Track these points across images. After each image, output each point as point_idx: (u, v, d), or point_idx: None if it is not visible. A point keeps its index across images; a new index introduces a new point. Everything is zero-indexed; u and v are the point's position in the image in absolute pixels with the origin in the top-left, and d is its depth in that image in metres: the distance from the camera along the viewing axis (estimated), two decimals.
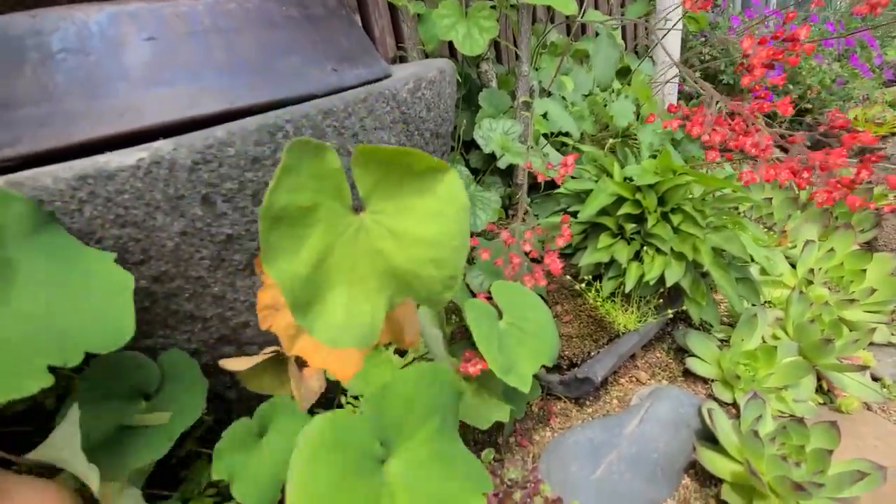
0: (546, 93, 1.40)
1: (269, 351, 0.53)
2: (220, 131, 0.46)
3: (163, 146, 0.44)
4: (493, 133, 1.16)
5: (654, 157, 1.31)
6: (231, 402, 0.69)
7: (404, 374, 0.42)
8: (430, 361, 0.60)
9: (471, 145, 1.26)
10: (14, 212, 0.37)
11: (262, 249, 0.30)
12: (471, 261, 1.03)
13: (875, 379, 0.99)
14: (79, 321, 0.33)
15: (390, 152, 0.34)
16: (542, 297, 0.91)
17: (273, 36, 0.59)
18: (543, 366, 0.91)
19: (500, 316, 0.70)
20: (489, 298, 0.72)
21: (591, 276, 0.89)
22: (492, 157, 1.20)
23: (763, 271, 1.12)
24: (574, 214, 0.96)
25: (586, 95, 1.47)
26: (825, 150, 0.64)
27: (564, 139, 1.27)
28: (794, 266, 1.10)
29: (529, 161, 0.94)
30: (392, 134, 0.63)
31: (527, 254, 0.80)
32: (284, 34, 0.60)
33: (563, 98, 1.43)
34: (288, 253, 0.31)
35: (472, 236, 1.01)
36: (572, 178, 1.10)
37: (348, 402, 0.63)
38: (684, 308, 0.88)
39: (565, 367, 0.86)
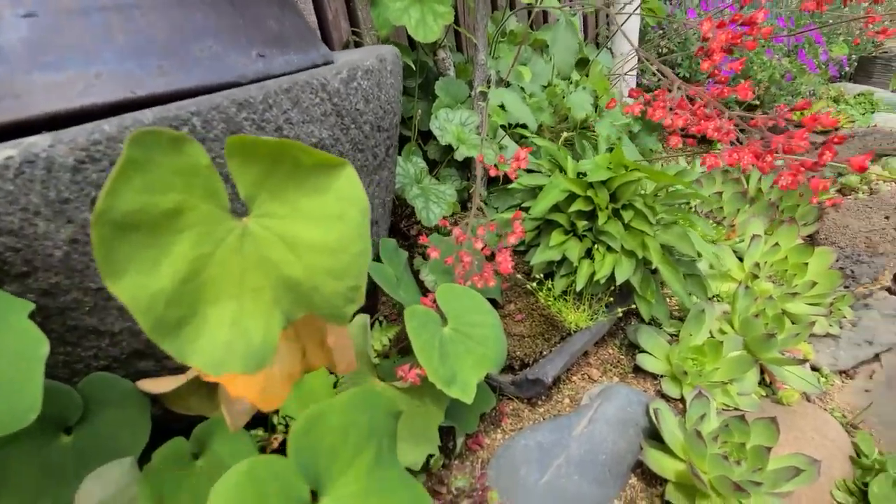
0: (504, 83, 1.37)
1: (192, 373, 0.48)
2: (108, 125, 0.40)
3: (37, 142, 0.38)
4: (449, 124, 1.12)
5: (611, 150, 1.31)
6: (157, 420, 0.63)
7: (333, 404, 0.39)
8: (362, 385, 0.56)
9: (428, 136, 1.22)
10: None
11: (99, 263, 0.25)
12: (425, 256, 1.00)
13: (814, 369, 1.03)
14: None
15: (271, 144, 0.30)
16: (496, 300, 0.89)
17: (186, 16, 0.53)
18: None
19: (445, 321, 0.67)
20: (435, 302, 0.69)
21: (543, 275, 0.87)
22: (449, 149, 1.16)
23: (712, 265, 1.14)
24: (529, 210, 0.94)
25: (545, 86, 1.44)
26: (787, 133, 0.63)
27: (522, 131, 1.25)
28: (741, 259, 1.12)
29: (482, 154, 0.91)
30: (324, 128, 0.58)
31: (482, 250, 0.77)
32: (200, 15, 0.54)
33: (522, 89, 1.40)
34: (143, 264, 0.26)
35: (422, 234, 0.98)
36: (528, 171, 1.08)
37: (280, 423, 0.59)
38: (635, 305, 0.88)
39: (517, 367, 0.85)
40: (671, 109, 0.59)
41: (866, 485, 0.73)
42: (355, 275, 0.35)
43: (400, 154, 1.18)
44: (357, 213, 0.34)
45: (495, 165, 0.96)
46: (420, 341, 0.60)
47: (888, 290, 1.20)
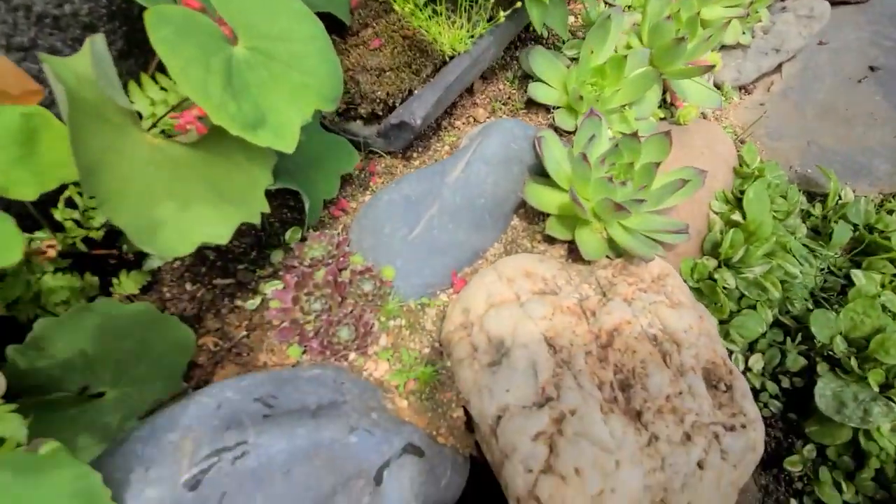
0: None
1: None
2: None
3: None
4: None
5: None
6: None
7: None
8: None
9: None
10: None
11: None
12: None
13: (717, 87, 0.95)
14: None
15: None
16: (340, 21, 0.63)
17: None
18: (359, 118, 0.71)
19: (235, 38, 0.43)
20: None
21: None
22: None
23: None
24: None
25: None
26: None
27: None
28: None
29: None
30: None
31: None
32: None
33: None
34: None
35: None
36: None
37: None
38: (527, 23, 0.67)
39: (381, 112, 0.66)
40: None
41: (743, 192, 0.72)
42: None
43: None
44: None
45: None
46: (181, 61, 0.38)
47: None
